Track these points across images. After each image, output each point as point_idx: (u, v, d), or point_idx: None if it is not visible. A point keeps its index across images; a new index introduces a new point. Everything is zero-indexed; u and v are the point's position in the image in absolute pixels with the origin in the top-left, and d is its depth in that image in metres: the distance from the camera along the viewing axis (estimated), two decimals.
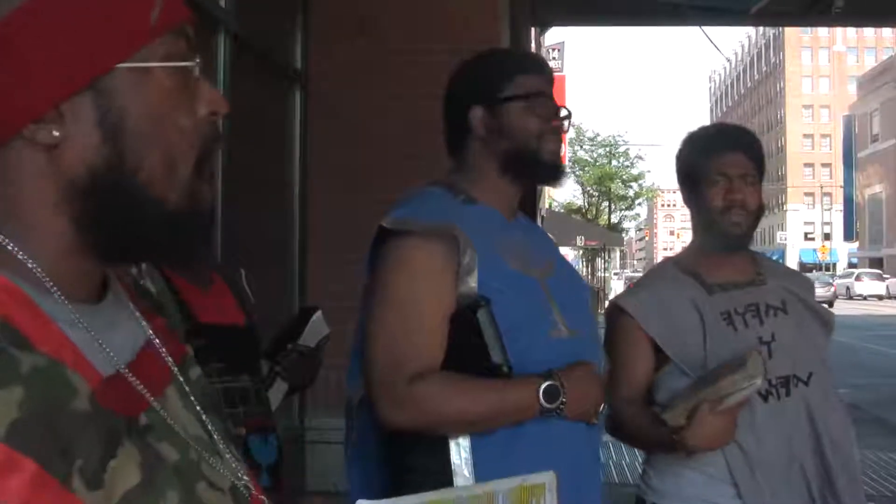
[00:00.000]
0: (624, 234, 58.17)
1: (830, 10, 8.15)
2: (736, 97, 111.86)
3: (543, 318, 1.78)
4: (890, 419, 9.59)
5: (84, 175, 0.71)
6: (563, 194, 46.70)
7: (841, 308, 33.23)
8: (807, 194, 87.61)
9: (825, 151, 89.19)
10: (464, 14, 5.43)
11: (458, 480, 1.68)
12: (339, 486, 3.91)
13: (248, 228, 4.48)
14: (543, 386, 1.68)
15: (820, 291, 34.96)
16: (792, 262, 67.53)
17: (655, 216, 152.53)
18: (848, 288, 47.81)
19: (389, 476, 1.78)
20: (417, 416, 1.68)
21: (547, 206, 24.33)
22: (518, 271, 1.79)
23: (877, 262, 59.25)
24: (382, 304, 1.75)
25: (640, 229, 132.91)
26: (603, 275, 37.20)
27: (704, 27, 10.03)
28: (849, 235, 66.27)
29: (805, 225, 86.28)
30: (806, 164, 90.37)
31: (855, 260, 68.72)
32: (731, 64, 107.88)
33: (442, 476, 1.67)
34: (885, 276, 50.02)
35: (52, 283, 0.71)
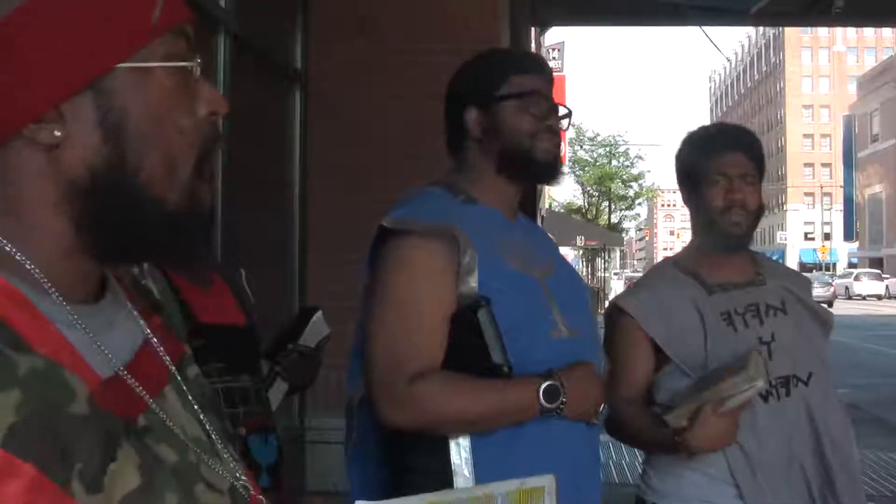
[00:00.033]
0: (624, 234, 58.19)
1: (830, 10, 8.15)
2: (736, 97, 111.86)
3: (543, 318, 1.78)
4: (890, 419, 9.59)
5: (84, 175, 0.71)
6: (563, 194, 46.78)
7: (840, 308, 33.23)
8: (807, 194, 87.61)
9: (825, 151, 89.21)
10: (464, 14, 5.43)
11: (459, 480, 1.68)
12: (339, 486, 3.91)
13: (248, 228, 4.48)
14: (543, 386, 1.68)
15: (819, 291, 34.97)
16: (792, 262, 67.54)
17: (655, 216, 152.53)
18: (847, 288, 47.82)
19: (389, 476, 1.78)
20: (418, 415, 1.68)
21: (547, 206, 24.33)
22: (518, 271, 1.79)
23: (877, 262, 59.25)
24: (382, 304, 1.75)
25: (640, 229, 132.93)
26: (603, 275, 37.19)
27: (704, 27, 10.04)
28: (849, 235, 66.28)
29: (805, 225, 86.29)
30: (806, 164, 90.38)
31: (855, 260, 68.73)
32: (731, 64, 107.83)
33: (442, 476, 1.67)
34: (884, 276, 50.03)
35: (50, 284, 0.71)
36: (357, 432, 1.86)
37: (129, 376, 0.74)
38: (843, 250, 74.12)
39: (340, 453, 1.96)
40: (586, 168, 43.38)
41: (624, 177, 44.62)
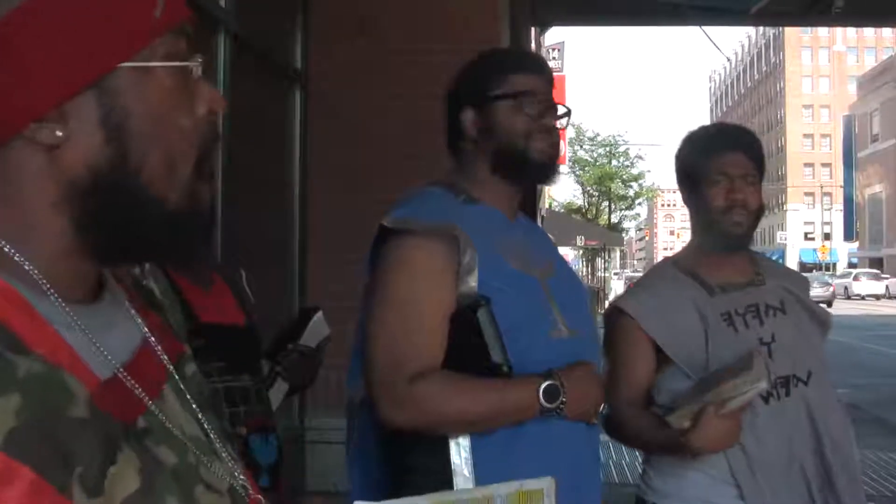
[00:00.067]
0: (624, 234, 58.19)
1: (830, 10, 8.15)
2: (736, 97, 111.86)
3: (544, 318, 1.78)
4: (890, 419, 9.59)
5: (85, 175, 0.71)
6: (563, 194, 46.81)
7: (840, 308, 33.25)
8: (807, 194, 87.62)
9: (825, 151, 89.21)
10: (464, 14, 5.43)
11: (459, 480, 1.68)
12: (338, 486, 3.91)
13: (248, 228, 4.48)
14: (543, 386, 1.68)
15: (819, 291, 35.01)
16: (792, 262, 67.59)
17: (655, 216, 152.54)
18: (846, 288, 47.85)
19: (390, 476, 1.78)
20: (418, 415, 1.68)
21: (547, 206, 24.33)
22: (519, 271, 1.79)
23: (877, 262, 59.27)
24: (383, 304, 1.75)
25: (640, 229, 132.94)
26: (603, 275, 37.20)
27: (704, 27, 10.04)
28: (849, 235, 66.29)
29: (805, 225, 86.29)
30: (806, 164, 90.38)
31: (855, 260, 68.74)
32: (731, 64, 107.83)
33: (442, 476, 1.67)
34: (882, 275, 50.06)
35: (48, 285, 0.71)
36: (358, 432, 1.86)
37: (128, 377, 0.74)
38: (843, 250, 74.13)
39: (340, 453, 1.96)
40: (586, 168, 43.38)
41: (624, 177, 44.62)
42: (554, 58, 17.76)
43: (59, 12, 0.69)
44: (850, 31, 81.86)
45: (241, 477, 0.84)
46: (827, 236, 75.02)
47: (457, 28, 5.35)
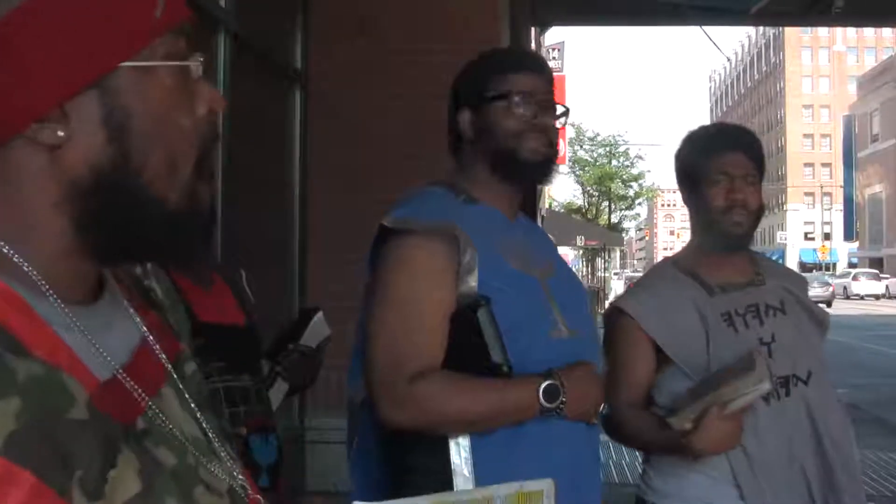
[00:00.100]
0: (624, 234, 58.20)
1: (830, 10, 8.15)
2: (736, 97, 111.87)
3: (544, 318, 1.78)
4: (890, 419, 9.58)
5: (87, 175, 0.71)
6: (563, 194, 46.83)
7: (840, 308, 33.26)
8: (807, 194, 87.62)
9: (825, 151, 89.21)
10: (464, 14, 5.43)
11: (458, 480, 1.68)
12: (338, 486, 3.91)
13: (248, 228, 4.48)
14: (543, 385, 1.68)
15: (818, 291, 35.03)
16: (792, 262, 67.65)
17: (655, 216, 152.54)
18: (845, 288, 47.88)
19: (390, 476, 1.78)
20: (418, 415, 1.68)
21: (547, 206, 24.34)
22: (519, 271, 1.79)
23: (877, 262, 59.28)
24: (383, 304, 1.75)
25: (640, 229, 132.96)
26: (603, 275, 37.20)
27: (704, 27, 10.04)
28: (849, 235, 66.29)
29: (805, 225, 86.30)
30: (806, 164, 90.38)
31: (855, 260, 68.74)
32: (731, 64, 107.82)
33: (442, 476, 1.67)
34: (882, 276, 50.09)
35: (47, 287, 0.70)
36: (358, 432, 1.86)
37: (127, 378, 0.74)
38: (843, 250, 74.12)
39: (340, 453, 1.96)
40: (586, 168, 43.39)
41: (624, 177, 44.63)
42: (554, 58, 17.76)
43: (59, 12, 0.68)
44: (850, 31, 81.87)
45: (240, 477, 0.84)
46: (827, 236, 75.03)
47: (457, 28, 5.36)
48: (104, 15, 0.70)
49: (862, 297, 46.32)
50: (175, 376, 0.82)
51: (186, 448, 0.77)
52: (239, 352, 2.17)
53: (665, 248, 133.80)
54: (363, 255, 1.86)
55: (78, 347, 0.70)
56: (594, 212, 44.01)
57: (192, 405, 0.82)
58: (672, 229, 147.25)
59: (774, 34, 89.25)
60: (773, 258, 2.80)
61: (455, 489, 1.64)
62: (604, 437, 1.99)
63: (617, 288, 33.81)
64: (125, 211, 0.73)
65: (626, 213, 48.10)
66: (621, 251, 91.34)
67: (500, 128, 1.83)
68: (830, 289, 39.99)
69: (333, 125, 5.42)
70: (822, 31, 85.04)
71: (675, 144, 2.35)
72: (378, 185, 4.92)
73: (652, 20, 9.97)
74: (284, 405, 2.51)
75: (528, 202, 5.51)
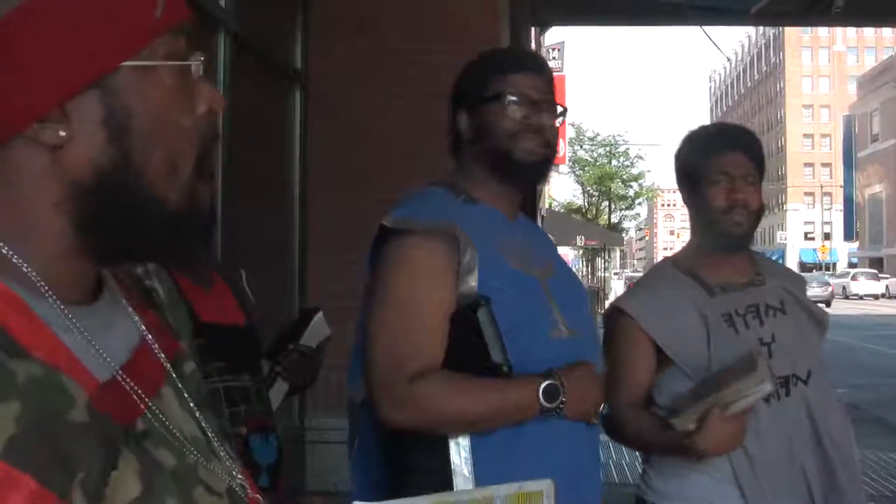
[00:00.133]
0: (624, 234, 58.19)
1: (830, 10, 8.15)
2: (736, 97, 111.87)
3: (544, 318, 1.78)
4: (890, 419, 9.58)
5: (88, 175, 0.71)
6: (563, 194, 46.82)
7: (840, 308, 33.26)
8: (807, 194, 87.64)
9: (825, 151, 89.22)
10: (464, 14, 5.43)
11: (458, 480, 1.68)
12: (338, 486, 3.91)
13: (248, 228, 4.48)
14: (543, 385, 1.68)
15: (817, 291, 35.05)
16: (792, 262, 67.67)
17: (655, 216, 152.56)
18: (844, 287, 47.91)
19: (390, 476, 1.78)
20: (418, 415, 1.68)
21: (547, 206, 24.34)
22: (519, 271, 1.79)
23: (877, 262, 59.30)
24: (383, 304, 1.75)
25: (640, 229, 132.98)
26: (603, 275, 37.20)
27: (704, 27, 10.04)
28: (849, 235, 66.31)
29: (805, 225, 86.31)
30: (806, 164, 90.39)
31: (855, 260, 68.77)
32: (731, 64, 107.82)
33: (442, 476, 1.67)
34: (881, 276, 50.12)
35: (47, 288, 0.70)
36: (359, 432, 1.86)
37: (126, 379, 0.74)
38: (843, 250, 74.13)
39: (340, 453, 1.96)
40: (586, 168, 43.39)
41: (624, 177, 44.62)
42: (554, 58, 17.77)
43: (59, 12, 0.68)
44: (850, 31, 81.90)
45: (240, 476, 0.84)
46: (827, 236, 75.04)
47: (457, 28, 5.36)
48: (104, 15, 0.70)
49: (861, 297, 46.37)
50: (174, 376, 0.82)
51: (186, 448, 0.77)
52: (239, 352, 2.17)
53: (665, 248, 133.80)
54: (363, 255, 1.86)
55: (77, 348, 0.70)
56: (594, 212, 44.00)
57: (192, 404, 0.82)
58: (672, 229, 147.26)
59: (774, 34, 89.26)
60: (773, 258, 2.80)
61: (455, 489, 1.64)
62: (604, 437, 1.99)
63: (617, 288, 33.80)
64: (125, 211, 0.72)
65: (626, 213, 48.12)
66: (621, 251, 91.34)
67: (496, 128, 1.83)
68: (830, 289, 40.01)
69: (333, 125, 5.42)
70: (822, 31, 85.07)
71: (675, 144, 2.35)
72: (378, 185, 4.92)
73: (652, 20, 9.97)
74: (284, 405, 2.51)
75: (528, 202, 5.51)
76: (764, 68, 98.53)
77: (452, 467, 1.69)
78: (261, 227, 4.90)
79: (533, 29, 10.28)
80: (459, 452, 1.69)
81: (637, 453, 2.33)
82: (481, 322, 1.69)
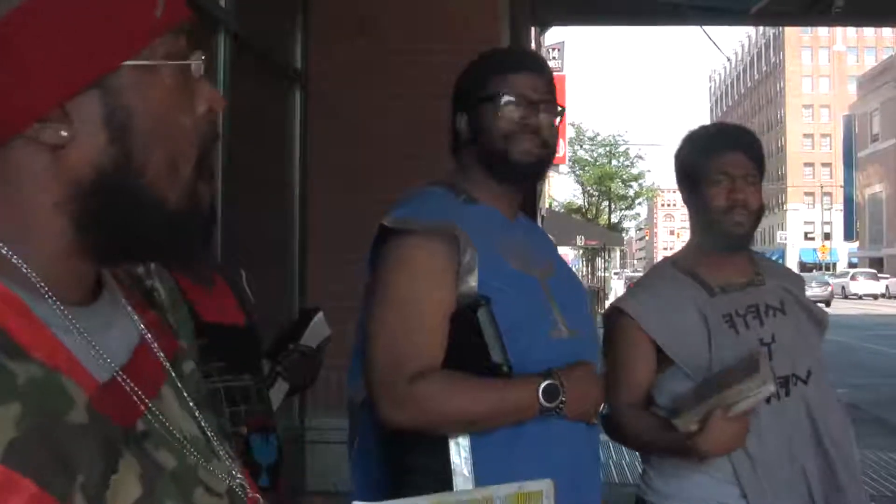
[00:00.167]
0: (624, 234, 58.20)
1: (830, 10, 8.15)
2: (736, 97, 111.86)
3: (544, 318, 1.78)
4: (890, 419, 9.58)
5: (89, 175, 0.71)
6: (563, 194, 46.82)
7: (840, 308, 33.26)
8: (807, 194, 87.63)
9: (825, 151, 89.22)
10: (464, 14, 5.43)
11: (458, 480, 1.68)
12: (338, 486, 3.91)
13: (248, 228, 4.48)
14: (543, 385, 1.68)
15: (817, 291, 35.08)
16: (792, 262, 67.68)
17: (655, 216, 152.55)
18: (843, 287, 47.95)
19: (390, 476, 1.78)
20: (418, 415, 1.68)
21: (547, 206, 24.34)
22: (519, 271, 1.79)
23: (877, 262, 59.31)
24: (383, 304, 1.75)
25: (640, 229, 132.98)
26: (603, 274, 37.19)
27: (704, 27, 10.04)
28: (849, 235, 66.30)
29: (805, 224, 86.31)
30: (806, 164, 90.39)
31: (855, 260, 68.77)
32: (731, 64, 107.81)
33: (442, 476, 1.67)
34: (881, 275, 50.15)
35: (46, 289, 0.70)
36: (359, 432, 1.86)
37: (126, 379, 0.73)
38: (843, 250, 74.12)
39: (340, 453, 1.96)
40: (586, 168, 43.38)
41: (624, 177, 44.62)
42: (554, 58, 17.78)
43: (59, 12, 0.68)
44: (850, 31, 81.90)
45: (239, 476, 0.84)
46: (827, 236, 75.03)
47: (457, 28, 5.36)
48: (105, 14, 0.70)
49: (860, 297, 46.40)
50: (173, 375, 0.82)
51: (186, 449, 0.77)
52: (239, 352, 2.17)
53: (665, 248, 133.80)
54: (363, 255, 1.86)
55: (77, 349, 0.70)
56: (594, 212, 43.99)
57: (191, 404, 0.82)
58: (672, 229, 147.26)
59: (774, 34, 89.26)
60: (773, 258, 2.79)
61: (455, 489, 1.64)
62: (604, 437, 1.98)
63: (617, 288, 33.79)
64: (126, 211, 0.72)
65: (626, 213, 48.12)
66: (621, 251, 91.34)
67: (492, 129, 1.83)
68: (829, 288, 40.03)
69: (333, 125, 5.42)
70: (822, 31, 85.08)
71: (675, 144, 2.35)
72: (378, 185, 4.92)
73: (652, 20, 9.97)
74: (284, 405, 2.51)
75: (528, 202, 5.51)
76: (764, 68, 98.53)
77: (452, 467, 1.69)
78: (261, 227, 4.90)
79: (533, 29, 10.28)
80: (459, 452, 1.70)
81: (637, 453, 2.32)
82: (481, 322, 1.69)
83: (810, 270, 63.21)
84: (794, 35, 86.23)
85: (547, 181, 23.27)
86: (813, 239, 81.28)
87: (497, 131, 1.82)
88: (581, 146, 43.29)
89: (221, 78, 4.20)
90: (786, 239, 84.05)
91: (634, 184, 45.45)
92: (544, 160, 1.87)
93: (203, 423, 0.82)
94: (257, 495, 0.85)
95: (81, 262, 0.74)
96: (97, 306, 0.76)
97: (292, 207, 5.47)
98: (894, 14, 9.51)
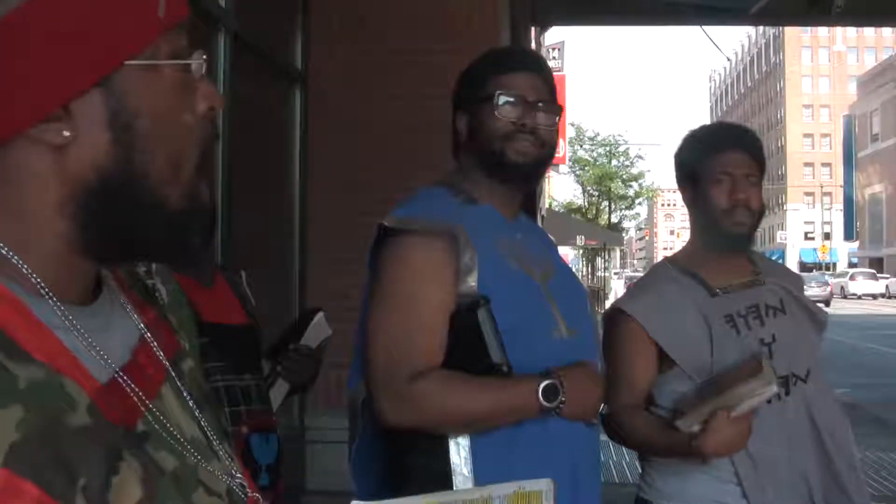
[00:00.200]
0: (624, 234, 58.20)
1: (830, 10, 8.14)
2: (736, 97, 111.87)
3: (543, 318, 1.78)
4: (890, 419, 9.58)
5: (91, 175, 0.70)
6: (563, 194, 46.83)
7: (839, 307, 33.26)
8: (807, 194, 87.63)
9: (825, 151, 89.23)
10: (464, 14, 5.43)
11: (458, 480, 1.68)
12: (339, 485, 3.91)
13: (248, 228, 4.48)
14: (542, 385, 1.68)
15: (816, 291, 35.09)
16: (792, 262, 67.71)
17: (655, 216, 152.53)
18: (842, 287, 47.98)
19: (390, 475, 1.78)
20: (418, 414, 1.68)
21: (547, 206, 24.34)
22: (519, 271, 1.79)
23: (877, 262, 59.33)
24: (383, 303, 1.75)
25: (640, 229, 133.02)
26: (603, 274, 37.19)
27: (704, 27, 10.04)
28: (849, 235, 66.28)
29: (805, 224, 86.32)
30: (806, 164, 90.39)
31: (855, 260, 68.78)
32: (731, 64, 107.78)
33: (442, 475, 1.67)
34: (879, 275, 50.18)
35: (47, 289, 0.70)
36: (359, 432, 1.86)
37: (126, 380, 0.73)
38: (843, 250, 74.13)
39: (340, 453, 1.96)
40: (586, 168, 43.37)
41: (624, 176, 44.60)
42: (554, 58, 17.79)
43: (61, 11, 0.68)
44: (850, 31, 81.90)
45: (239, 475, 0.84)
46: (827, 236, 75.03)
47: (457, 28, 5.36)
48: (108, 13, 0.69)
49: (859, 297, 46.41)
50: (173, 374, 0.82)
51: (186, 450, 0.77)
52: (239, 351, 2.17)
53: (665, 248, 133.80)
54: (363, 255, 1.86)
55: (77, 350, 0.70)
56: (594, 212, 43.97)
57: (191, 403, 0.82)
58: (672, 229, 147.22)
59: (774, 34, 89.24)
60: (773, 258, 2.79)
61: (454, 489, 1.64)
62: (604, 437, 1.98)
63: (617, 288, 33.76)
64: (128, 211, 0.72)
65: (626, 213, 48.08)
66: (621, 251, 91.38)
67: (488, 130, 1.83)
68: (828, 288, 40.03)
69: (333, 125, 5.42)
70: (822, 31, 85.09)
71: (675, 144, 2.34)
72: (378, 185, 4.93)
73: (652, 20, 9.97)
74: (284, 405, 2.52)
75: (528, 202, 5.51)
76: (764, 68, 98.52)
77: (452, 467, 1.69)
78: (261, 227, 4.90)
79: (533, 29, 10.28)
80: (459, 452, 1.69)
81: (636, 453, 2.31)
82: (481, 322, 1.68)
83: (810, 270, 63.21)
84: (794, 35, 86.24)
85: (547, 181, 23.26)
86: (813, 239, 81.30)
87: (494, 131, 1.82)
88: (581, 146, 43.28)
89: (221, 78, 4.19)
90: (786, 239, 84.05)
91: (634, 184, 45.43)
92: (542, 160, 1.87)
93: (203, 423, 0.82)
94: (257, 495, 0.85)
95: (82, 262, 0.74)
96: (96, 306, 0.76)
97: (292, 207, 5.47)
98: (894, 14, 9.51)
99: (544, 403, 1.68)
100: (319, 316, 2.49)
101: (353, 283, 2.23)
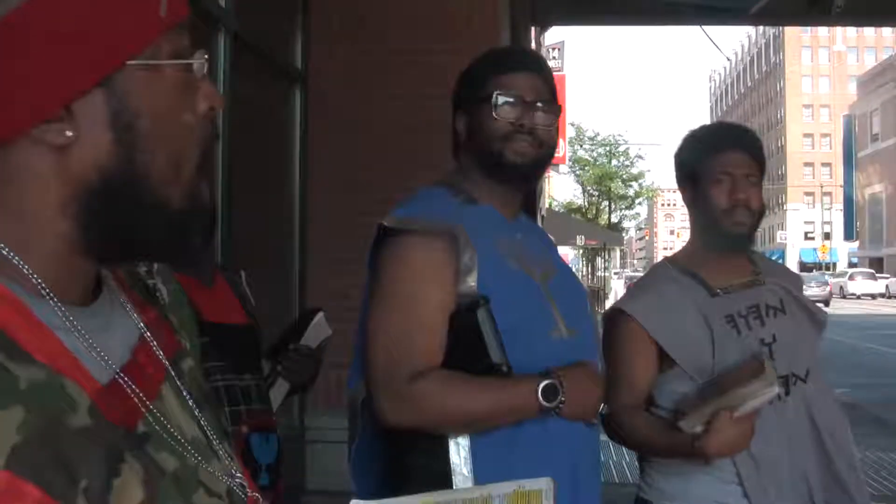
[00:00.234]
0: (624, 234, 58.19)
1: (830, 10, 8.14)
2: (736, 97, 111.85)
3: (543, 318, 1.78)
4: (890, 419, 9.57)
5: (93, 175, 0.70)
6: (563, 194, 46.83)
7: (839, 307, 33.25)
8: (807, 194, 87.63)
9: (825, 151, 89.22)
10: (464, 14, 5.43)
11: (458, 480, 1.68)
12: (339, 485, 3.91)
13: (248, 228, 4.48)
14: (542, 385, 1.68)
15: (816, 291, 35.10)
16: (792, 262, 67.71)
17: (655, 216, 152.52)
18: (842, 287, 48.00)
19: (389, 475, 1.78)
20: (417, 414, 1.68)
21: (547, 205, 24.33)
22: (518, 271, 1.79)
23: (877, 262, 59.32)
24: (383, 303, 1.75)
25: (640, 229, 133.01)
26: (603, 274, 37.18)
27: (704, 27, 10.04)
28: (849, 235, 66.28)
29: (805, 224, 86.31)
30: (806, 164, 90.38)
31: (855, 259, 68.78)
32: (731, 63, 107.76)
33: (442, 475, 1.67)
34: (879, 275, 50.19)
35: (48, 290, 0.70)
36: (359, 432, 1.86)
37: (127, 380, 0.73)
38: (843, 250, 74.12)
39: (340, 453, 1.96)
40: (586, 168, 43.36)
41: (624, 176, 44.59)
42: (554, 58, 17.79)
43: (61, 12, 0.68)
44: (850, 31, 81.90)
45: (239, 475, 0.84)
46: (827, 236, 75.02)
47: (457, 28, 5.36)
48: (109, 13, 0.69)
49: (858, 297, 46.42)
50: (173, 374, 0.82)
51: (186, 451, 0.77)
52: (239, 351, 2.17)
53: (665, 248, 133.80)
54: (363, 255, 1.86)
55: (78, 351, 0.70)
56: (594, 212, 43.96)
57: (191, 403, 0.82)
58: (672, 229, 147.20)
59: (774, 34, 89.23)
60: (773, 258, 2.79)
61: (454, 489, 1.64)
62: (604, 437, 1.98)
63: (617, 288, 33.75)
64: (129, 211, 0.72)
65: (626, 212, 48.07)
66: (621, 251, 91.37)
67: (486, 130, 1.82)
68: (828, 288, 40.03)
69: (333, 125, 5.42)
70: (822, 31, 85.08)
71: (675, 144, 2.34)
72: (378, 185, 4.93)
73: (652, 20, 9.97)
74: (284, 405, 2.52)
75: (528, 202, 5.51)
76: (764, 68, 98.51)
77: (452, 467, 1.69)
78: (261, 227, 4.90)
79: (533, 29, 10.28)
80: (459, 452, 1.70)
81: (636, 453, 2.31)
82: (481, 322, 1.69)
83: (810, 270, 63.22)
84: (794, 35, 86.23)
85: (547, 181, 23.25)
86: (813, 239, 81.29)
87: (493, 132, 1.82)
88: (581, 146, 43.26)
89: (221, 78, 4.20)
90: (786, 239, 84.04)
91: (634, 184, 45.41)
92: (540, 160, 1.87)
93: (203, 423, 0.82)
94: (257, 495, 0.85)
95: (82, 262, 0.74)
96: (97, 306, 0.76)
97: (292, 207, 5.47)
98: (894, 14, 9.51)
99: (544, 403, 1.68)
100: (319, 316, 2.49)
101: (353, 283, 2.23)
